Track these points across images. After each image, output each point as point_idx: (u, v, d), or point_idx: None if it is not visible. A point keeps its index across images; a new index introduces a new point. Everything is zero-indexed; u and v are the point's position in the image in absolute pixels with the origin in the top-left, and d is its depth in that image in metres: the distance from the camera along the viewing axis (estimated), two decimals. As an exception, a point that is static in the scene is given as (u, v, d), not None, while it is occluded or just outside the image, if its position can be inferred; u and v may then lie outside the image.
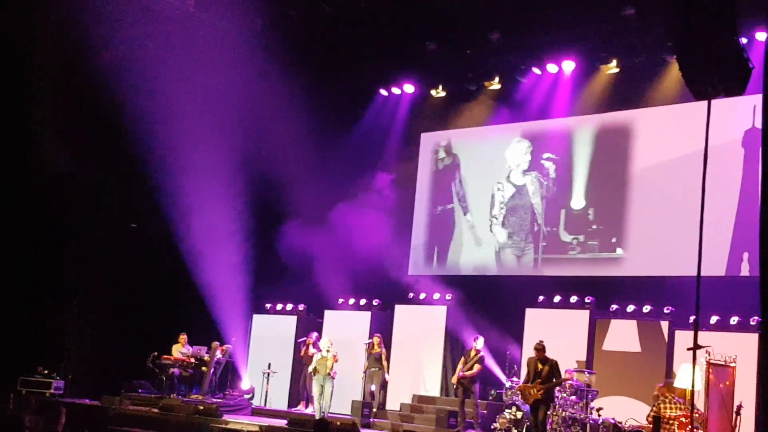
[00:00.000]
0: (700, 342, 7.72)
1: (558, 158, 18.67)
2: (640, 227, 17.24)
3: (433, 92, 20.29)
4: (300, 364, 18.55)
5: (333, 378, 16.09)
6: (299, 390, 18.66)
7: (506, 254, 19.08)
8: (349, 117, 20.90)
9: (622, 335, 16.04)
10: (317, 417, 15.43)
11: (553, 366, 13.84)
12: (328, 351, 16.20)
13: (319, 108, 19.50)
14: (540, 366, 13.88)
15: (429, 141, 20.88)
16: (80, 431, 15.15)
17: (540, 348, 14.01)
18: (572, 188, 18.42)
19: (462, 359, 15.91)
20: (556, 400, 14.45)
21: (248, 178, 19.64)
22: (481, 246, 19.54)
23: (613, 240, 17.61)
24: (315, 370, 16.22)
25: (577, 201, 18.35)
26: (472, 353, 15.74)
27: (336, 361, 16.13)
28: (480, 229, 19.60)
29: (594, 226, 18.01)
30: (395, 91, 20.72)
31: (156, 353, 18.49)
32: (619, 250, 17.54)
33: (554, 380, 13.81)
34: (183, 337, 18.69)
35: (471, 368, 15.57)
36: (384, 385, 17.60)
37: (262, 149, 19.38)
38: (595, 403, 14.86)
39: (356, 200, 19.80)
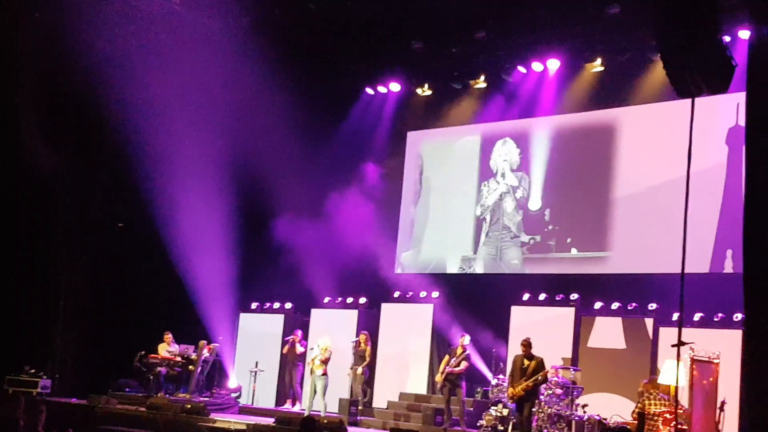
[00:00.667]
0: (684, 338, 7.74)
1: (541, 157, 18.68)
2: (624, 225, 17.28)
3: (419, 91, 20.29)
4: (292, 363, 18.46)
5: (323, 376, 16.05)
6: (285, 388, 18.63)
7: (491, 253, 19.09)
8: (335, 116, 20.86)
9: (607, 332, 16.07)
10: (306, 414, 15.40)
11: (539, 363, 13.87)
12: (318, 347, 16.20)
13: (306, 106, 19.46)
14: (526, 362, 13.91)
15: (415, 139, 20.88)
16: (65, 430, 15.13)
17: (526, 344, 14.03)
18: (546, 188, 18.49)
19: (446, 357, 15.89)
20: (541, 397, 14.48)
21: (235, 176, 19.59)
22: (467, 245, 19.53)
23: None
24: (310, 369, 16.24)
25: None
26: (459, 350, 15.74)
27: (325, 360, 16.06)
28: (465, 228, 19.59)
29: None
30: (381, 89, 20.70)
31: (143, 352, 18.45)
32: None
33: (539, 377, 13.82)
34: (168, 336, 18.64)
35: (458, 365, 15.56)
36: (369, 382, 17.56)
37: (248, 147, 19.32)
38: (581, 400, 14.90)
39: (343, 199, 19.77)
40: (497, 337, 17.34)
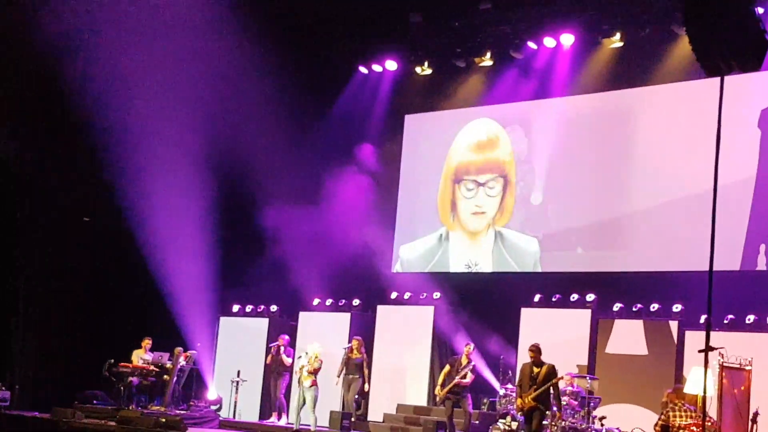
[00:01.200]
0: (712, 343, 7.73)
1: (552, 144, 18.68)
2: (645, 218, 17.28)
3: (418, 69, 20.26)
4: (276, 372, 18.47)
5: (312, 387, 16.02)
6: (271, 400, 18.63)
7: (500, 250, 19.09)
8: (325, 98, 20.85)
9: (627, 336, 16.09)
10: (294, 429, 15.41)
11: (550, 369, 13.82)
12: (307, 355, 16.17)
13: (292, 88, 19.44)
14: (535, 370, 13.86)
15: (414, 123, 20.87)
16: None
17: (535, 350, 13.97)
18: (556, 178, 18.51)
19: (447, 367, 15.82)
20: (554, 408, 14.47)
21: (214, 165, 19.60)
22: (470, 241, 19.53)
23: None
24: (300, 379, 16.22)
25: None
26: (464, 360, 15.68)
27: (314, 370, 16.03)
28: (470, 222, 19.60)
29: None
30: (376, 68, 20.68)
31: (112, 360, 18.41)
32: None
33: (551, 384, 13.78)
34: (147, 342, 18.61)
35: (464, 376, 15.51)
36: (363, 395, 17.56)
37: (230, 133, 19.33)
38: (598, 412, 14.90)
39: (334, 190, 19.78)
40: (505, 343, 17.35)
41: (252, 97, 19.17)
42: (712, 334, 8.04)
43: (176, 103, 19.11)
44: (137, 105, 18.56)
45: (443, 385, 15.64)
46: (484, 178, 19.55)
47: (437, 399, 16.08)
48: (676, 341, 15.56)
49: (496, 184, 19.35)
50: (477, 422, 16.24)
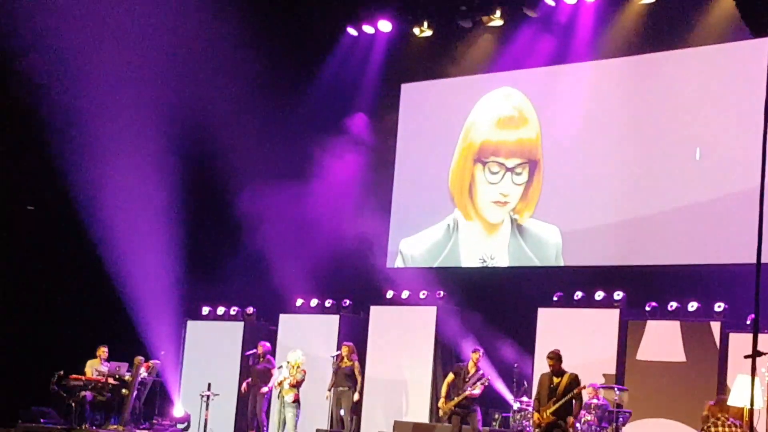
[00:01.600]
0: (760, 347, 7.72)
1: (570, 114, 18.68)
2: (684, 204, 17.26)
3: (416, 31, 20.23)
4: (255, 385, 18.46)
5: (294, 404, 16.00)
6: (248, 417, 18.64)
7: (518, 242, 19.09)
8: (309, 65, 20.81)
9: (662, 340, 16.09)
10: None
11: (572, 379, 13.81)
12: (288, 365, 16.14)
13: (271, 57, 19.46)
14: (555, 380, 13.84)
15: (412, 93, 20.83)
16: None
17: (554, 357, 13.94)
18: (577, 155, 18.53)
19: (451, 376, 15.78)
20: (577, 425, 14.47)
21: (181, 147, 19.61)
22: (486, 232, 19.53)
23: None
24: (280, 393, 16.19)
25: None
26: (471, 368, 15.65)
27: (297, 383, 16.01)
28: (490, 212, 19.60)
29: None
30: (368, 29, 20.64)
31: (61, 372, 18.35)
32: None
33: (573, 395, 13.76)
34: (103, 351, 18.57)
35: (474, 388, 15.48)
36: (355, 408, 17.54)
37: (199, 107, 19.31)
38: (628, 428, 14.91)
39: (318, 173, 19.77)
40: (520, 349, 17.36)
41: (224, 66, 19.16)
42: (761, 336, 8.03)
43: (135, 77, 19.10)
44: (90, 80, 18.51)
45: (448, 398, 15.60)
46: (513, 162, 19.49)
47: (440, 413, 16.06)
48: (718, 346, 15.55)
49: (524, 170, 19.30)
50: (487, 441, 16.27)
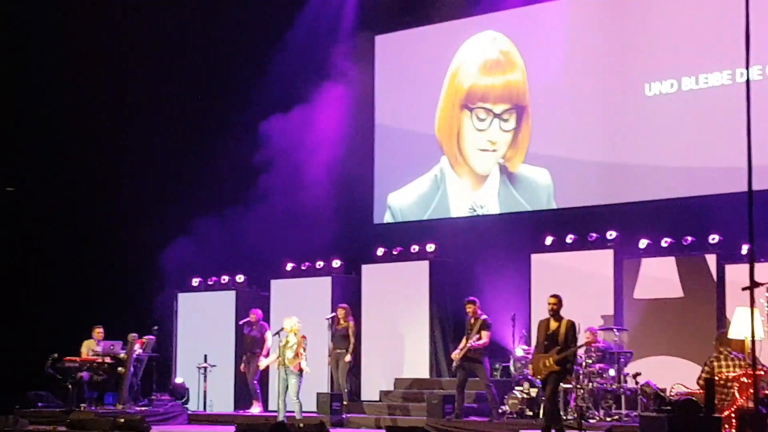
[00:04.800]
0: (758, 278, 7.59)
1: (555, 54, 18.52)
2: (671, 132, 17.13)
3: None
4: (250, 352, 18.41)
5: (296, 373, 15.88)
6: (248, 386, 18.60)
7: (508, 188, 18.94)
8: (277, 28, 20.55)
9: (658, 277, 16.01)
10: (279, 419, 15.35)
11: (569, 326, 13.67)
12: (288, 332, 15.97)
13: (237, 14, 19.28)
14: (553, 325, 13.68)
15: (388, 45, 20.59)
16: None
17: (556, 301, 13.77)
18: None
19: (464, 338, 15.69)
20: (578, 368, 14.38)
21: (156, 109, 19.52)
22: (473, 180, 19.40)
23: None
24: (279, 361, 16.05)
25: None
26: (472, 320, 15.56)
27: (302, 348, 15.87)
28: (477, 160, 19.45)
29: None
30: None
31: (56, 355, 18.31)
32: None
33: (572, 346, 13.64)
34: (98, 331, 18.55)
35: (479, 338, 15.36)
36: (349, 369, 17.44)
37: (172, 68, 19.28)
38: (630, 368, 14.83)
39: (301, 129, 19.60)
40: (517, 297, 17.24)
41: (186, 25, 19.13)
42: (758, 266, 7.90)
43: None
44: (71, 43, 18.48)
45: (462, 350, 15.51)
46: (500, 108, 19.27)
47: (453, 365, 16.02)
48: (715, 279, 15.48)
49: (511, 116, 19.10)
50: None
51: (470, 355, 15.43)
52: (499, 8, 19.27)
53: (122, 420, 16.06)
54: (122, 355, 18.42)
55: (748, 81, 7.02)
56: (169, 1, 19.98)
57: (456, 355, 15.61)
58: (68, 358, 18.31)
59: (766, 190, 10.77)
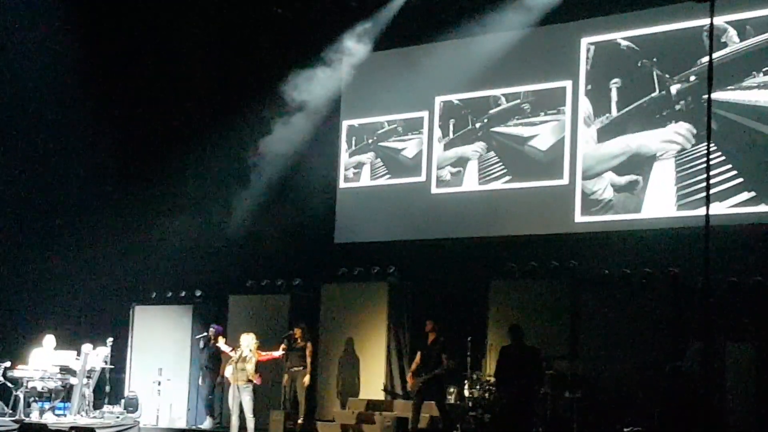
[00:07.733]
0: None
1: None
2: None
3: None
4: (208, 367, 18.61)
5: (253, 384, 16.02)
6: (203, 401, 18.67)
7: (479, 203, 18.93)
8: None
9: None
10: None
11: (535, 352, 13.97)
12: (240, 350, 16.08)
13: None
14: (517, 353, 13.96)
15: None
16: None
17: (515, 329, 14.03)
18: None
19: (418, 355, 15.84)
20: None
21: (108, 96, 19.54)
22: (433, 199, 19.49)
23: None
24: (234, 377, 16.16)
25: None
26: (430, 339, 15.69)
27: (254, 367, 16.02)
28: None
29: None
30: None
31: (7, 363, 18.25)
32: None
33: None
34: (50, 339, 18.45)
35: (439, 361, 15.46)
36: (305, 389, 17.49)
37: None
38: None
39: (259, 135, 19.65)
40: (474, 321, 17.34)
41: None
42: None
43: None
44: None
45: (416, 374, 15.64)
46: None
47: (409, 387, 16.16)
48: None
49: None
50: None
51: (431, 382, 15.56)
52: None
53: (73, 430, 16.04)
54: (75, 365, 18.39)
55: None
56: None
57: (416, 381, 15.66)
58: (19, 366, 18.25)
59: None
